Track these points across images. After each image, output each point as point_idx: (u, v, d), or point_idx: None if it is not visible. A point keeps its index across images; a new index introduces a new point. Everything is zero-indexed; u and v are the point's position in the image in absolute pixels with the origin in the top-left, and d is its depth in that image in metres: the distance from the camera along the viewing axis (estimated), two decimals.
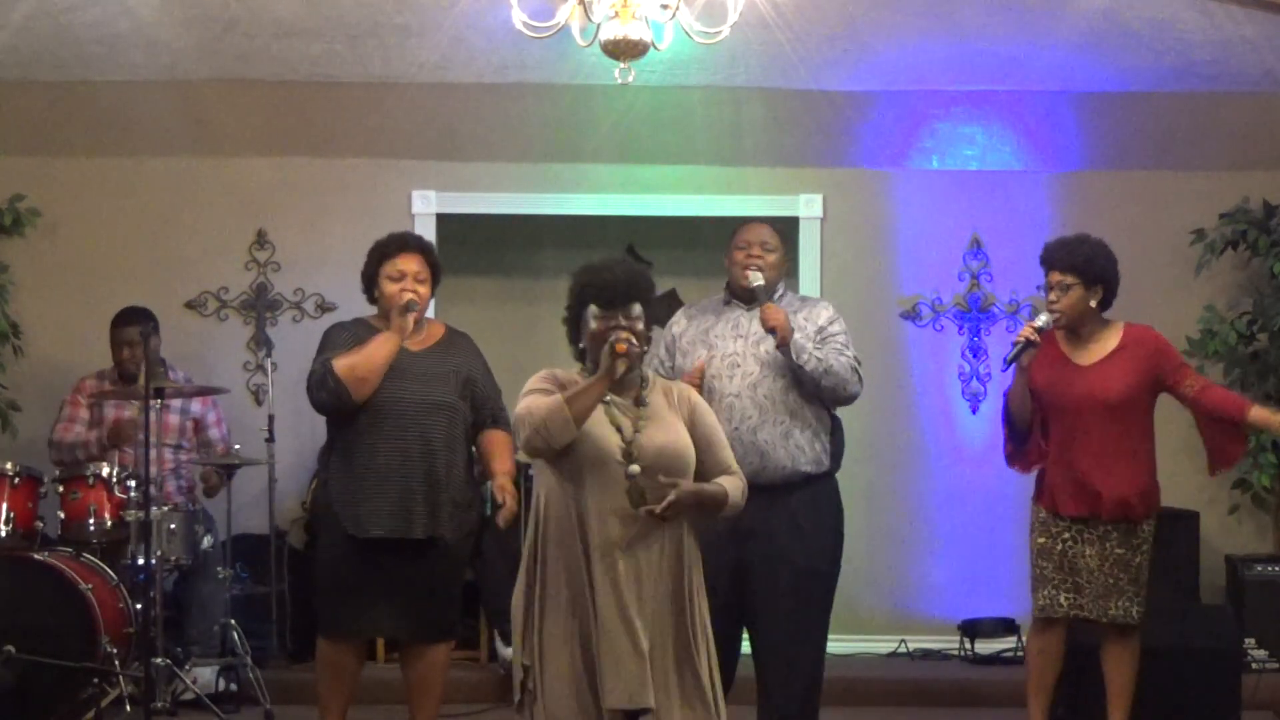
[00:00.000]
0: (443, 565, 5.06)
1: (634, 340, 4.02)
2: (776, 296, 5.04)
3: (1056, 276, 5.37)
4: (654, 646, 3.97)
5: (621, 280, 4.12)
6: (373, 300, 5.21)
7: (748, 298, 5.01)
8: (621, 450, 4.00)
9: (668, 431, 4.07)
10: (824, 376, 4.88)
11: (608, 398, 4.05)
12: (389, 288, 5.09)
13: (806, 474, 4.90)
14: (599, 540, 3.96)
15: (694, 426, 4.15)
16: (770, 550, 4.84)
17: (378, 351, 5.00)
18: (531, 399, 4.05)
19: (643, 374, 4.17)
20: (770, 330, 4.85)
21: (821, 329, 4.98)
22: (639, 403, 4.09)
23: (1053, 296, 5.38)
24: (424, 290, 5.13)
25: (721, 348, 4.95)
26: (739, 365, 4.92)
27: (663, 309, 9.51)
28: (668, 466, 4.01)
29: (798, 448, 4.88)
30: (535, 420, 3.99)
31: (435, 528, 5.01)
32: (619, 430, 4.03)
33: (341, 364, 4.99)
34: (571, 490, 4.02)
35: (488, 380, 5.20)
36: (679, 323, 5.13)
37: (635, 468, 3.98)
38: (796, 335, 4.87)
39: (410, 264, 5.12)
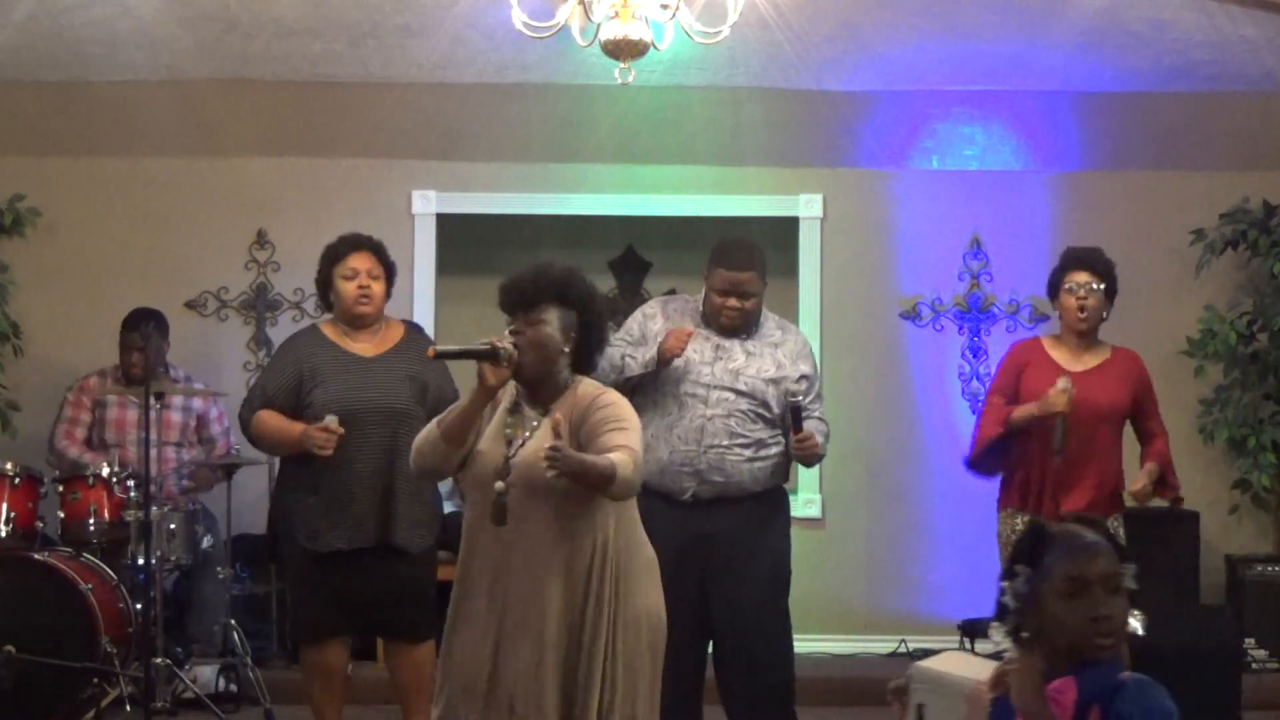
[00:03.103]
0: (405, 568, 5.02)
1: (501, 345, 3.75)
2: (758, 325, 5.05)
3: (1086, 276, 5.36)
4: (524, 675, 3.76)
5: (520, 282, 3.88)
6: (327, 305, 5.19)
7: (730, 336, 5.00)
8: (496, 467, 3.78)
9: (549, 442, 3.73)
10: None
11: (518, 409, 3.85)
12: (344, 287, 5.07)
13: (762, 489, 4.99)
14: (480, 559, 3.83)
15: (585, 421, 3.81)
16: (734, 552, 4.90)
17: (288, 432, 5.00)
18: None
19: (567, 380, 3.90)
20: (809, 460, 5.04)
21: (803, 376, 5.01)
22: (546, 414, 3.84)
23: (1082, 294, 5.35)
24: (378, 288, 5.09)
25: (699, 366, 4.93)
26: (713, 387, 4.92)
27: None
28: (536, 482, 3.73)
29: (761, 469, 4.97)
30: (415, 443, 3.89)
31: (389, 536, 4.97)
32: (509, 445, 3.81)
33: (263, 424, 5.06)
34: (467, 506, 3.91)
35: (444, 383, 5.08)
36: (657, 318, 5.03)
37: (500, 484, 3.74)
38: (817, 433, 4.96)
39: (363, 262, 5.09)
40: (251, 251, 7.63)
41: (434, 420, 3.90)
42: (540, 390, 3.88)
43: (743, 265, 4.97)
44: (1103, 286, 5.36)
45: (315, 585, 5.02)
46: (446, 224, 7.66)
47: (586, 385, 3.94)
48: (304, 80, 7.15)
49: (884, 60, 6.98)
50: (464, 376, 4.41)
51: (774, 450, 4.99)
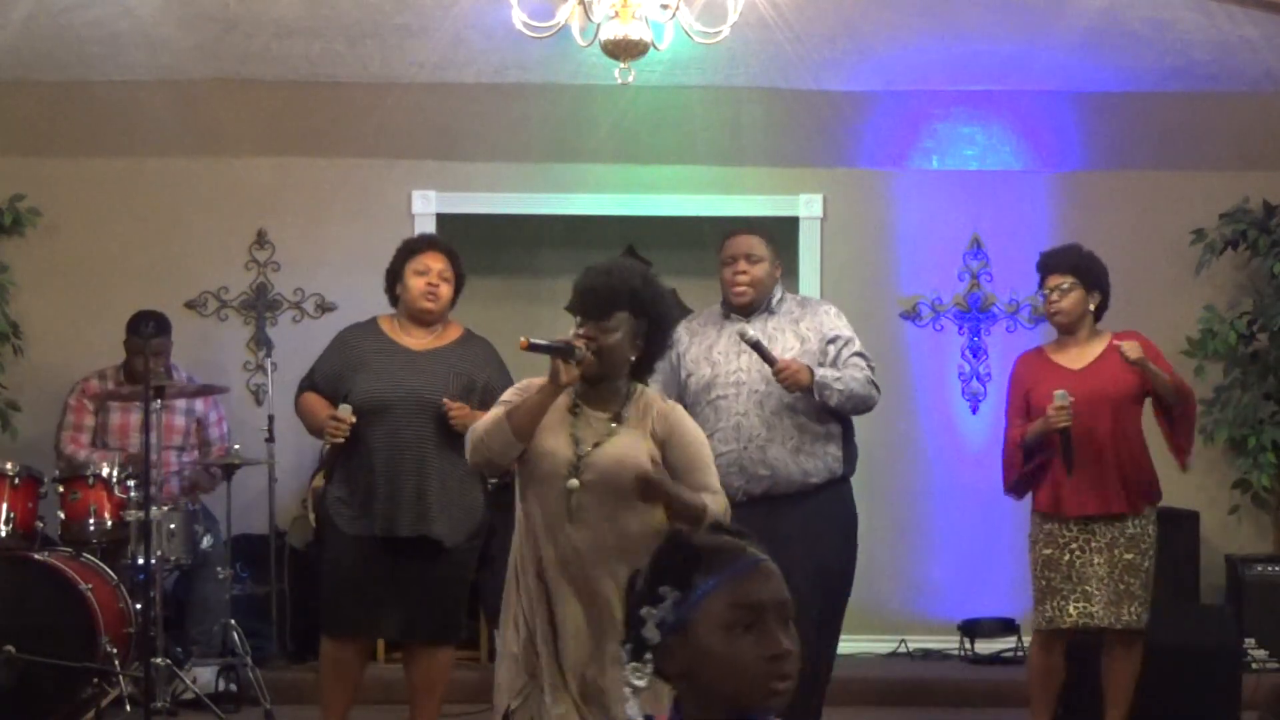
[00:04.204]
0: (445, 567, 5.05)
1: (578, 345, 3.82)
2: (775, 302, 5.04)
3: (1056, 279, 5.41)
4: (601, 670, 3.84)
5: (598, 288, 3.92)
6: (394, 300, 5.22)
7: (745, 311, 5.02)
8: (569, 465, 3.84)
9: (625, 449, 3.86)
10: (847, 403, 4.93)
11: (579, 410, 3.90)
12: (414, 281, 5.12)
13: (817, 484, 4.94)
14: (548, 555, 3.87)
15: (671, 448, 3.92)
16: (780, 556, 4.86)
17: (315, 416, 5.11)
18: (488, 413, 3.99)
19: (630, 387, 3.96)
20: (796, 389, 4.83)
21: (831, 339, 4.98)
22: (616, 419, 3.90)
23: (1054, 297, 5.40)
24: (446, 289, 5.15)
25: (724, 365, 4.94)
26: (744, 382, 4.91)
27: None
28: (615, 484, 3.82)
29: (808, 459, 4.91)
30: (477, 435, 3.92)
31: (423, 527, 4.99)
32: (577, 444, 3.86)
33: (303, 406, 5.18)
34: (527, 504, 3.94)
35: (499, 381, 5.07)
36: (681, 340, 5.05)
37: (574, 482, 3.82)
38: (818, 373, 4.84)
39: (436, 262, 5.14)
40: (251, 251, 7.63)
41: (497, 412, 3.92)
42: (600, 393, 3.92)
43: (745, 231, 5.08)
44: (1075, 283, 5.38)
45: (350, 576, 5.03)
46: (446, 224, 7.65)
47: (649, 395, 3.99)
48: (304, 80, 7.15)
49: (884, 60, 6.98)
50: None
51: (821, 437, 4.94)
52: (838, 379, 4.89)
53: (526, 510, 3.94)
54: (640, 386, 4.02)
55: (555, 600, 3.88)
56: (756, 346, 4.80)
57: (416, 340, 5.13)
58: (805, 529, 4.87)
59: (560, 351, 3.83)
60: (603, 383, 3.92)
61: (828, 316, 5.05)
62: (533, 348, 3.86)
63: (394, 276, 5.19)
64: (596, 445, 3.85)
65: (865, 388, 4.96)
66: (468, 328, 5.29)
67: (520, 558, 3.97)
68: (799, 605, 5.00)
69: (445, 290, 5.14)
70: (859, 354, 4.99)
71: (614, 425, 3.89)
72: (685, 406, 4.82)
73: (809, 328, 5.00)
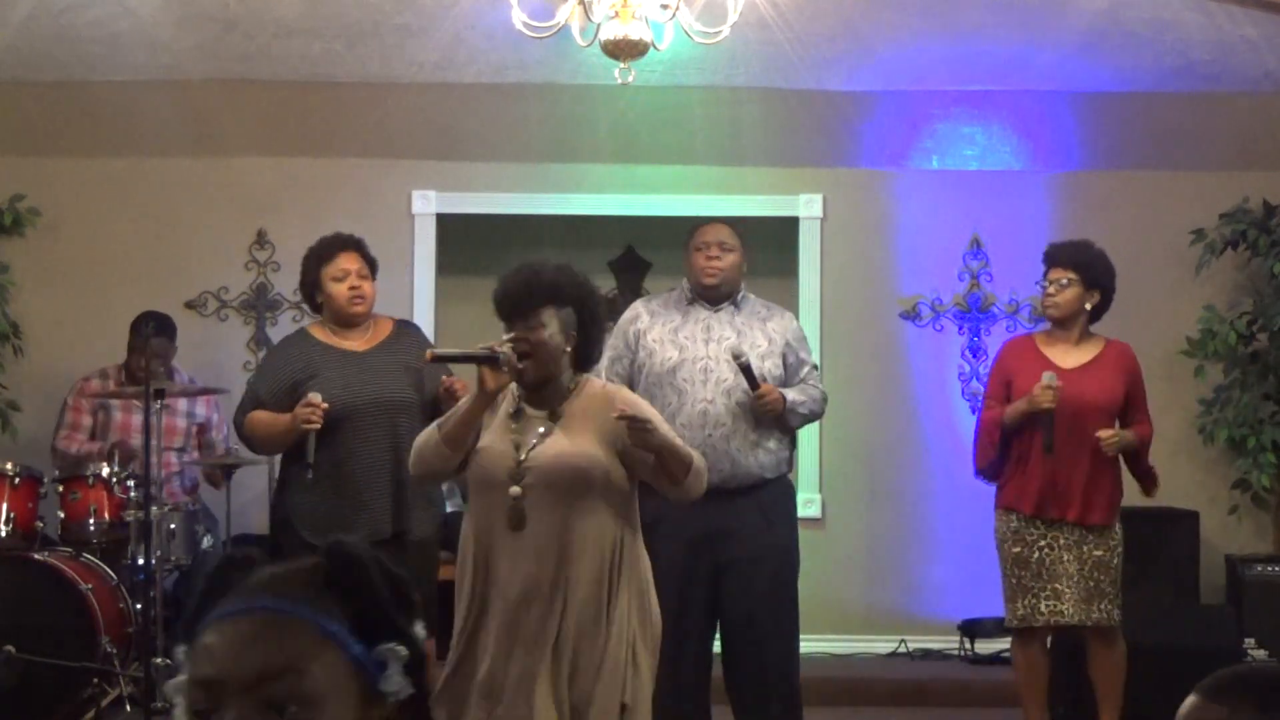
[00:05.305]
0: (413, 561, 5.03)
1: (502, 350, 3.77)
2: (739, 299, 5.11)
3: (1057, 272, 5.42)
4: (539, 680, 3.72)
5: (516, 288, 3.88)
6: (315, 307, 5.18)
7: (713, 298, 5.05)
8: (509, 472, 3.77)
9: (571, 444, 3.78)
10: (803, 423, 5.15)
11: (521, 413, 3.85)
12: (335, 289, 5.05)
13: (769, 478, 5.01)
14: (489, 563, 3.81)
15: (612, 423, 3.80)
16: (748, 544, 4.95)
17: (279, 422, 4.96)
18: (429, 426, 3.98)
19: (573, 381, 3.89)
20: (769, 415, 4.95)
21: (794, 350, 5.09)
22: (554, 416, 3.83)
23: (1051, 290, 5.42)
24: (368, 287, 5.08)
25: (692, 350, 4.98)
26: (712, 370, 4.95)
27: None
28: (557, 484, 3.75)
29: (766, 454, 4.98)
30: (415, 448, 3.92)
31: (401, 525, 4.97)
32: (517, 449, 3.79)
33: (255, 422, 5.01)
34: (474, 514, 3.90)
35: (439, 372, 5.03)
36: (641, 318, 5.07)
37: (516, 489, 3.75)
38: (789, 399, 4.96)
39: (351, 263, 5.08)
40: (251, 251, 7.63)
41: (434, 424, 3.92)
42: (544, 393, 3.87)
43: (718, 221, 5.20)
44: (1075, 280, 5.39)
45: None
46: (446, 224, 7.66)
47: (594, 384, 3.95)
48: (304, 80, 7.15)
49: (884, 60, 6.99)
50: (464, 369, 4.51)
51: (775, 434, 5.00)
52: (802, 403, 5.02)
53: (474, 520, 3.88)
54: (583, 378, 3.95)
55: (490, 615, 3.82)
56: (746, 370, 4.87)
57: (355, 342, 5.07)
58: (765, 519, 4.98)
59: (484, 359, 3.79)
60: (546, 383, 3.85)
61: (793, 324, 5.18)
62: (439, 359, 3.88)
63: (312, 287, 5.11)
64: (534, 447, 3.79)
65: (821, 406, 5.14)
66: (394, 318, 5.24)
67: (465, 566, 3.92)
68: (772, 595, 5.14)
69: (368, 288, 5.08)
70: (814, 367, 5.20)
71: (551, 423, 3.83)
72: (642, 386, 4.88)
73: (775, 330, 5.08)
